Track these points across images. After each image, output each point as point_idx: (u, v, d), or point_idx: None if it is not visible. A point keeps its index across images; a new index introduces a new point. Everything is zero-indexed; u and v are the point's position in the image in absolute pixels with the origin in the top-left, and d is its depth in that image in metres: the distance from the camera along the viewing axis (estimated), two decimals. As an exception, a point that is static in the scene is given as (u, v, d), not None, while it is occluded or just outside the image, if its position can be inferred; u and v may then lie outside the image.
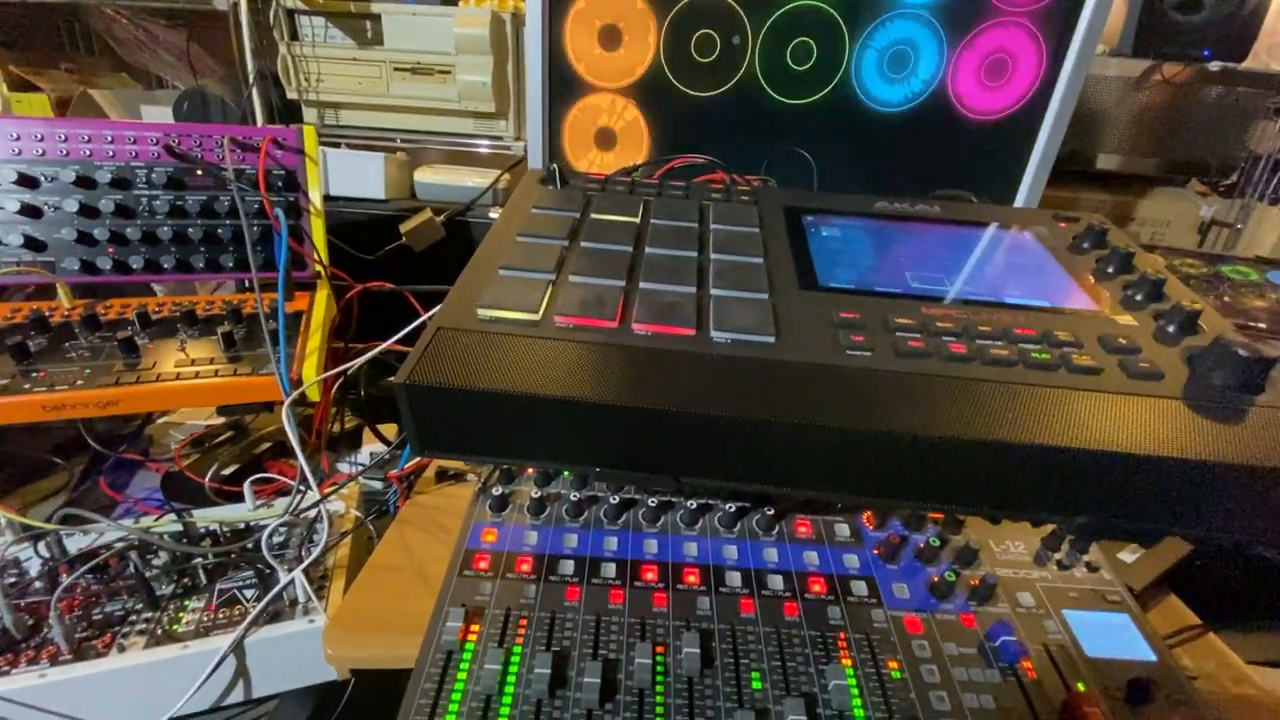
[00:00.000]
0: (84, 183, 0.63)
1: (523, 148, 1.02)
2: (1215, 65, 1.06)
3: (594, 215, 0.45)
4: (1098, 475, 0.30)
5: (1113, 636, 0.42)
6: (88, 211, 0.63)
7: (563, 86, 0.70)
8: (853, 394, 0.31)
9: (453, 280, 0.78)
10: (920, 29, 0.65)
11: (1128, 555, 0.55)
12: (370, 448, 0.77)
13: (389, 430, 0.77)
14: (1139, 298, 0.39)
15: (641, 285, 0.38)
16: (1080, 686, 0.38)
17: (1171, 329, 0.36)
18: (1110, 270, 0.42)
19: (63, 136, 0.63)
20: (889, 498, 0.33)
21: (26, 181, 0.62)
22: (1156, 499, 0.30)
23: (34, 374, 0.54)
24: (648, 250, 0.41)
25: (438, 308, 0.63)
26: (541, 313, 0.35)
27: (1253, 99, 1.08)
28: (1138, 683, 0.39)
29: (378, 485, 0.68)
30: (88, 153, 0.64)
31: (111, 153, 0.64)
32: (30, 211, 0.62)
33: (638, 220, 0.45)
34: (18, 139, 0.62)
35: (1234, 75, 1.07)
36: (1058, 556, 0.46)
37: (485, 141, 1.03)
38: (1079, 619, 0.43)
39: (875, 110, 0.69)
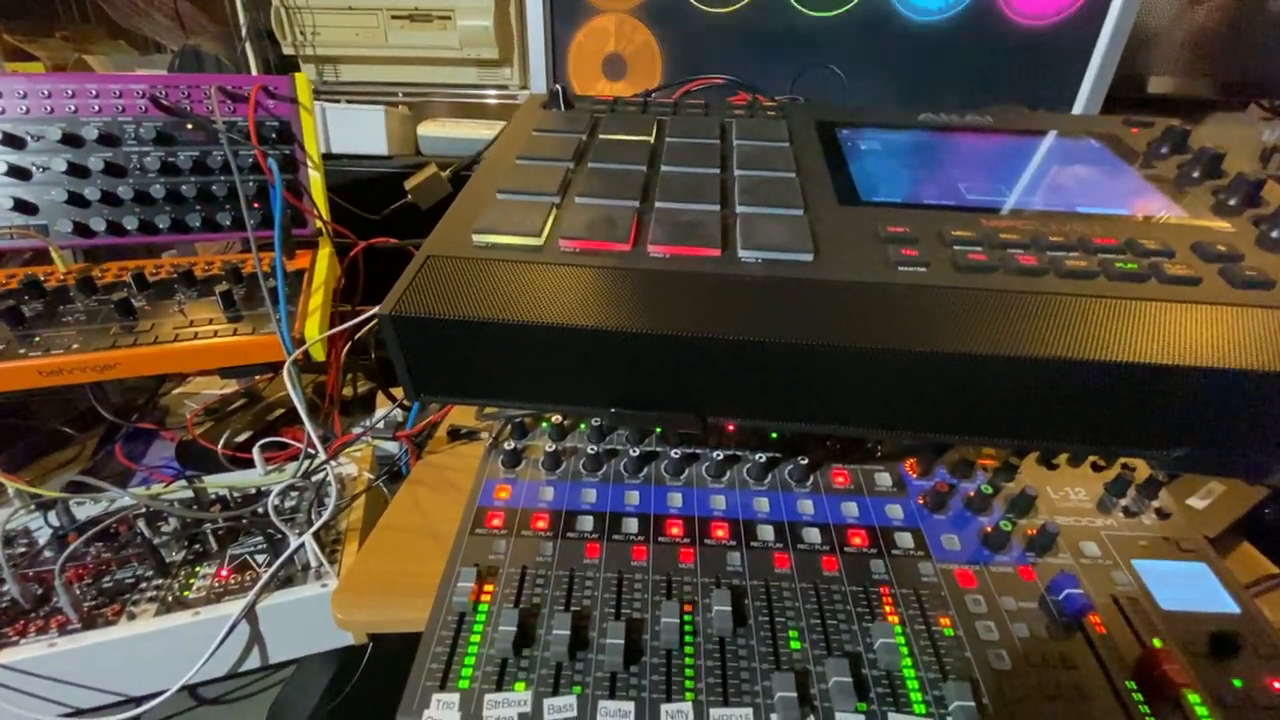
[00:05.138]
0: (71, 140, 0.60)
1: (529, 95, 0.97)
2: (1285, -29, 0.96)
3: (603, 136, 0.41)
4: (1201, 398, 0.26)
5: (1189, 587, 0.38)
6: (77, 171, 0.61)
7: (566, 8, 0.64)
8: (907, 313, 0.27)
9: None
10: (964, -77, 0.58)
11: (1198, 501, 0.50)
12: (385, 410, 0.74)
13: (402, 394, 0.75)
14: (1233, 202, 0.34)
15: (657, 205, 0.34)
16: (1156, 642, 0.34)
17: (1277, 234, 0.31)
18: (1196, 175, 0.37)
19: (46, 93, 0.60)
20: (951, 432, 0.29)
21: (12, 141, 0.59)
22: (1270, 423, 0.26)
23: (30, 339, 0.52)
24: (664, 168, 0.37)
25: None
26: (545, 236, 0.31)
27: (1326, 9, 0.98)
28: (1221, 636, 0.35)
29: (392, 448, 0.66)
30: (73, 109, 0.61)
31: (97, 108, 0.61)
32: (18, 173, 0.60)
33: (651, 139, 0.40)
34: (0, 97, 0.59)
35: (1306, -18, 0.97)
36: (1124, 503, 0.42)
37: (490, 91, 0.98)
38: (1151, 569, 0.39)
39: (913, 20, 0.62)
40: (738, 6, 0.63)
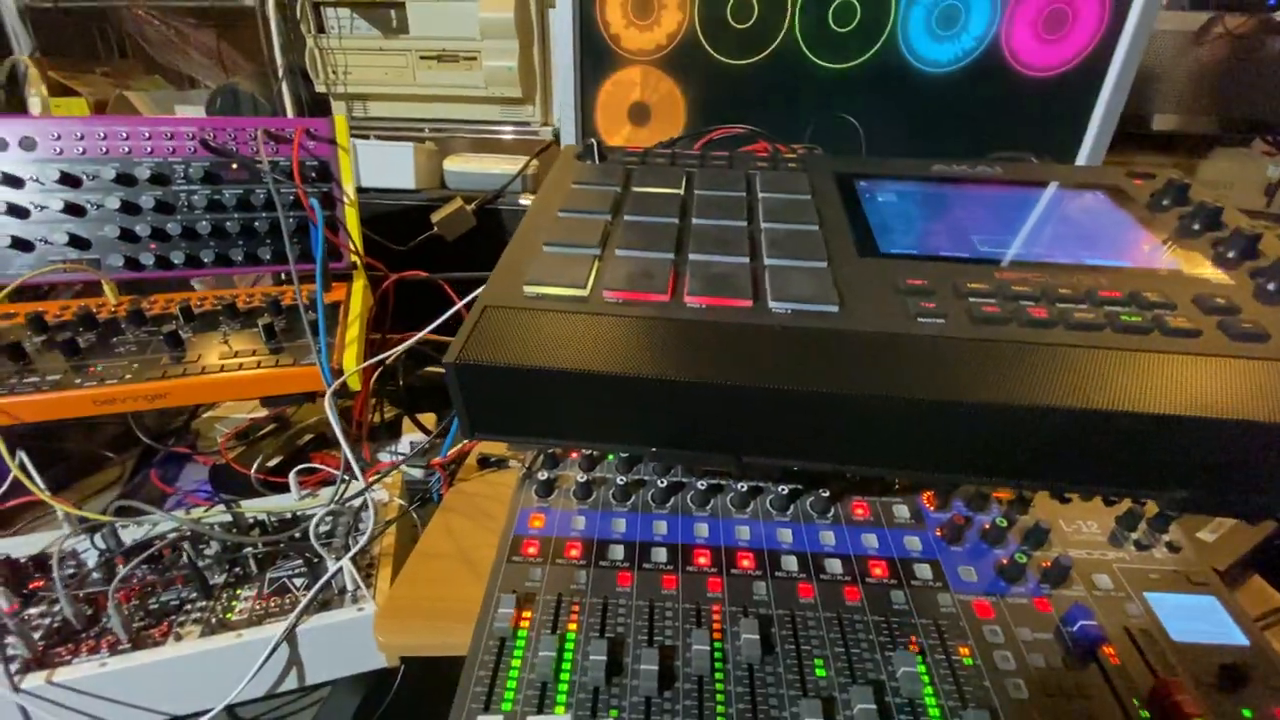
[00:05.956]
0: (124, 180, 0.64)
1: (550, 132, 1.01)
2: (1282, 14, 0.99)
3: (636, 188, 0.43)
4: (1200, 445, 0.27)
5: (1200, 620, 0.39)
6: (129, 208, 0.64)
7: (595, 61, 0.68)
8: (928, 363, 0.29)
9: (485, 267, 0.77)
10: (971, -18, 0.62)
11: (1208, 534, 0.52)
12: (410, 437, 0.77)
13: (428, 420, 0.77)
14: (1231, 255, 0.36)
15: (691, 257, 0.36)
16: (1169, 673, 0.36)
17: (1272, 287, 0.33)
18: (1196, 227, 0.39)
19: (102, 135, 0.64)
20: (969, 474, 0.31)
21: (69, 180, 0.63)
22: (1265, 470, 0.27)
23: (85, 369, 0.55)
24: (695, 221, 0.40)
25: (475, 293, 0.62)
26: (589, 288, 0.34)
27: (1324, 49, 1.01)
28: (1231, 668, 0.36)
29: (418, 474, 0.68)
30: (127, 150, 0.64)
31: (149, 149, 0.65)
32: (74, 210, 0.63)
33: (681, 192, 0.43)
34: (59, 139, 0.63)
35: (1303, 24, 1.00)
36: (1135, 536, 0.44)
37: (513, 127, 1.02)
38: (1162, 601, 0.40)
39: (924, 71, 0.65)
40: (756, 59, 0.67)
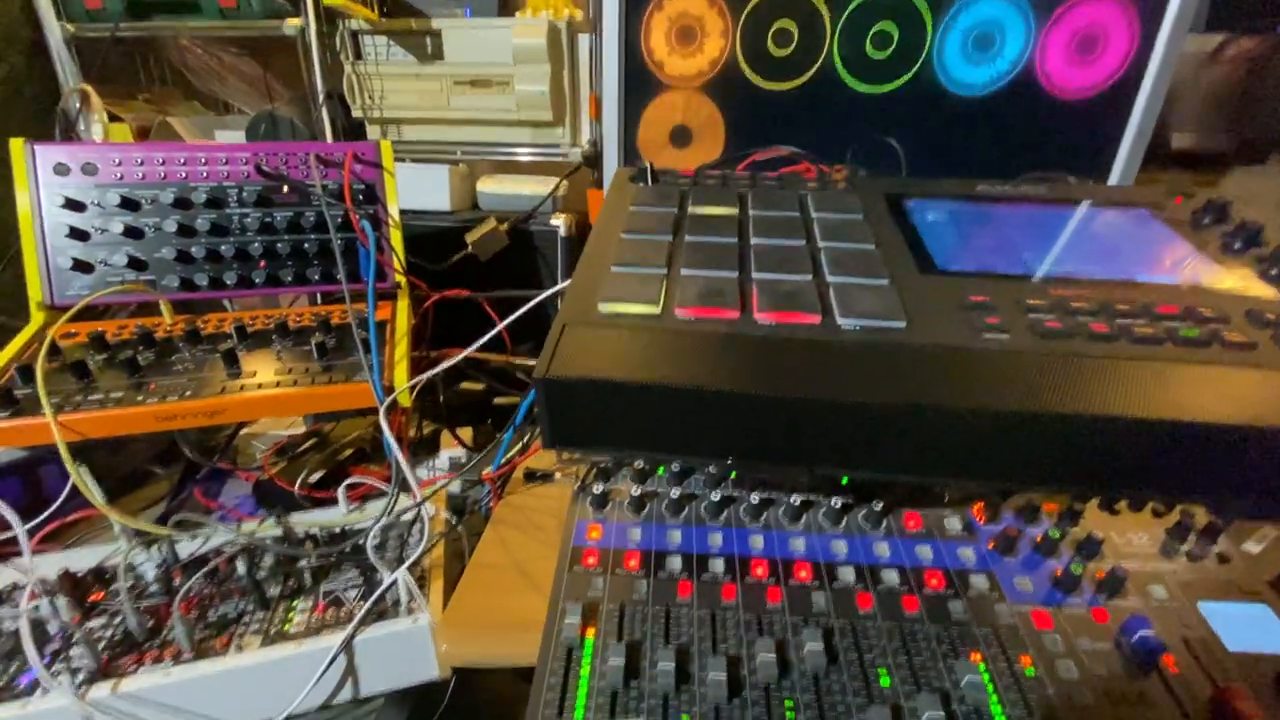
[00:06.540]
0: (181, 203, 0.66)
1: (579, 154, 1.03)
2: (1297, 35, 1.01)
3: (693, 209, 0.45)
4: (1262, 454, 0.28)
5: (1254, 629, 0.40)
6: (185, 231, 0.66)
7: (638, 85, 0.70)
8: (997, 376, 0.30)
9: (517, 285, 0.79)
10: (1006, 8, 0.64)
11: (1254, 545, 0.52)
12: (448, 451, 0.78)
13: (465, 434, 0.79)
14: (1275, 271, 0.37)
15: (756, 275, 0.38)
16: (1228, 681, 0.36)
17: (1321, 301, 0.34)
18: (1239, 245, 0.40)
19: (161, 160, 0.66)
20: (1037, 482, 0.32)
21: (129, 204, 0.65)
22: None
23: (145, 386, 0.57)
24: (755, 241, 0.41)
25: (517, 313, 0.64)
26: (661, 305, 0.35)
27: (1339, 69, 1.03)
28: (1288, 677, 0.37)
29: (455, 488, 0.69)
30: (184, 175, 0.67)
31: (205, 174, 0.67)
32: (133, 233, 0.65)
33: (737, 212, 0.45)
34: (120, 164, 0.65)
35: (1318, 45, 1.02)
36: (1185, 547, 0.44)
37: (543, 149, 1.05)
38: (1216, 611, 0.41)
39: (959, 94, 0.67)
40: (796, 83, 0.69)
